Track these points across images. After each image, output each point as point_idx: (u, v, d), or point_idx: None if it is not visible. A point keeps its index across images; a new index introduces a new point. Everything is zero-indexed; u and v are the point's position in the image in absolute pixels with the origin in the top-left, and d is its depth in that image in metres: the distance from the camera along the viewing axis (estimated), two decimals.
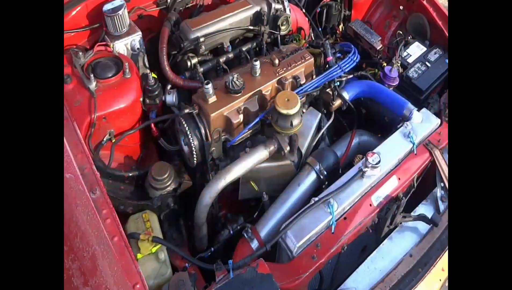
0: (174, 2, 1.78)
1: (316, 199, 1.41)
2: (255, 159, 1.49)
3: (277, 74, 1.60)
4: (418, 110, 1.71)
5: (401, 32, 2.19)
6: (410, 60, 2.02)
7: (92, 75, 1.46)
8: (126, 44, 1.65)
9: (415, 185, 1.60)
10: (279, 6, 1.81)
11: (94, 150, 1.51)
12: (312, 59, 1.70)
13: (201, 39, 1.63)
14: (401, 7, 2.30)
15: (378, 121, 1.92)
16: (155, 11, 1.83)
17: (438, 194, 1.58)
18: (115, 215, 1.22)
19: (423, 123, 1.67)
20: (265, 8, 1.79)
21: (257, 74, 1.57)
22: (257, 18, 1.77)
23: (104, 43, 1.60)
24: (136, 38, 1.66)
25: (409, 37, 2.13)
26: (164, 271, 1.34)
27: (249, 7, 1.77)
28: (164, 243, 1.36)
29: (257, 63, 1.54)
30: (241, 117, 1.52)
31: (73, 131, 1.32)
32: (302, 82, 1.65)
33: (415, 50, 2.06)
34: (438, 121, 1.68)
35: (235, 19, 1.73)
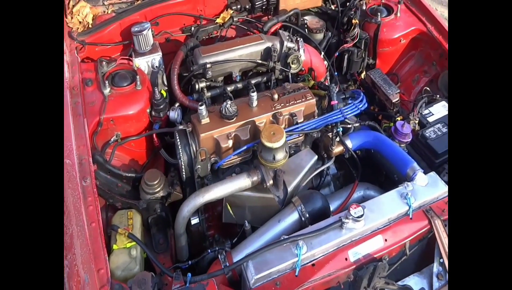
0: (198, 31, 2.15)
1: (286, 237, 1.47)
2: (236, 185, 1.66)
3: (273, 108, 1.80)
4: (425, 173, 1.69)
5: (428, 89, 2.28)
6: (431, 119, 2.05)
7: (107, 82, 1.83)
8: (148, 61, 2.03)
9: (408, 252, 1.56)
10: (291, 45, 2.06)
11: (102, 148, 1.84)
12: (314, 100, 1.87)
13: (208, 65, 1.91)
14: (434, 63, 2.42)
15: (389, 178, 1.93)
16: (181, 36, 2.21)
17: (435, 270, 1.53)
18: (98, 204, 1.50)
19: (428, 187, 1.63)
20: (277, 45, 2.04)
21: (254, 105, 1.80)
22: (267, 54, 2.03)
23: (126, 57, 1.98)
24: (156, 58, 2.03)
25: (437, 96, 2.18)
26: (132, 267, 1.55)
27: (261, 42, 2.03)
28: (137, 241, 1.59)
29: (254, 94, 1.78)
30: (230, 142, 1.74)
31: (82, 126, 1.67)
32: (299, 120, 1.82)
33: (440, 109, 2.09)
34: (447, 189, 1.62)
35: (245, 52, 2.00)
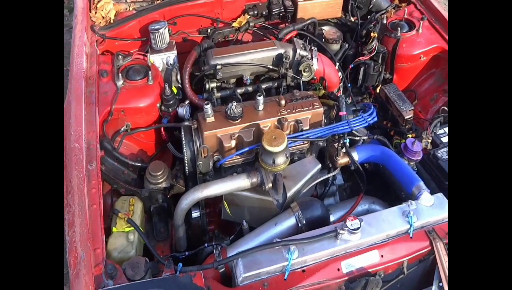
0: (214, 33, 2.29)
1: (279, 240, 1.53)
2: (235, 184, 1.75)
3: (279, 114, 1.89)
4: (433, 193, 1.69)
5: (446, 109, 2.28)
6: (445, 139, 2.05)
7: (121, 75, 1.98)
8: (163, 58, 2.18)
9: (405, 271, 1.56)
10: (304, 53, 2.15)
11: (112, 136, 1.98)
12: (322, 109, 1.94)
13: (219, 66, 2.03)
14: None
15: (397, 195, 1.93)
16: (197, 37, 2.36)
17: None
18: (101, 188, 1.63)
19: (432, 208, 1.63)
20: (290, 53, 2.13)
21: (260, 109, 1.89)
22: (279, 60, 2.13)
23: (142, 52, 2.14)
24: (171, 56, 2.18)
25: None
26: (129, 250, 1.66)
27: (273, 48, 2.13)
28: (134, 226, 1.70)
29: (261, 98, 1.87)
30: (233, 142, 1.84)
31: (94, 114, 1.82)
32: (304, 128, 1.89)
33: None
34: None
35: (256, 56, 2.11)
